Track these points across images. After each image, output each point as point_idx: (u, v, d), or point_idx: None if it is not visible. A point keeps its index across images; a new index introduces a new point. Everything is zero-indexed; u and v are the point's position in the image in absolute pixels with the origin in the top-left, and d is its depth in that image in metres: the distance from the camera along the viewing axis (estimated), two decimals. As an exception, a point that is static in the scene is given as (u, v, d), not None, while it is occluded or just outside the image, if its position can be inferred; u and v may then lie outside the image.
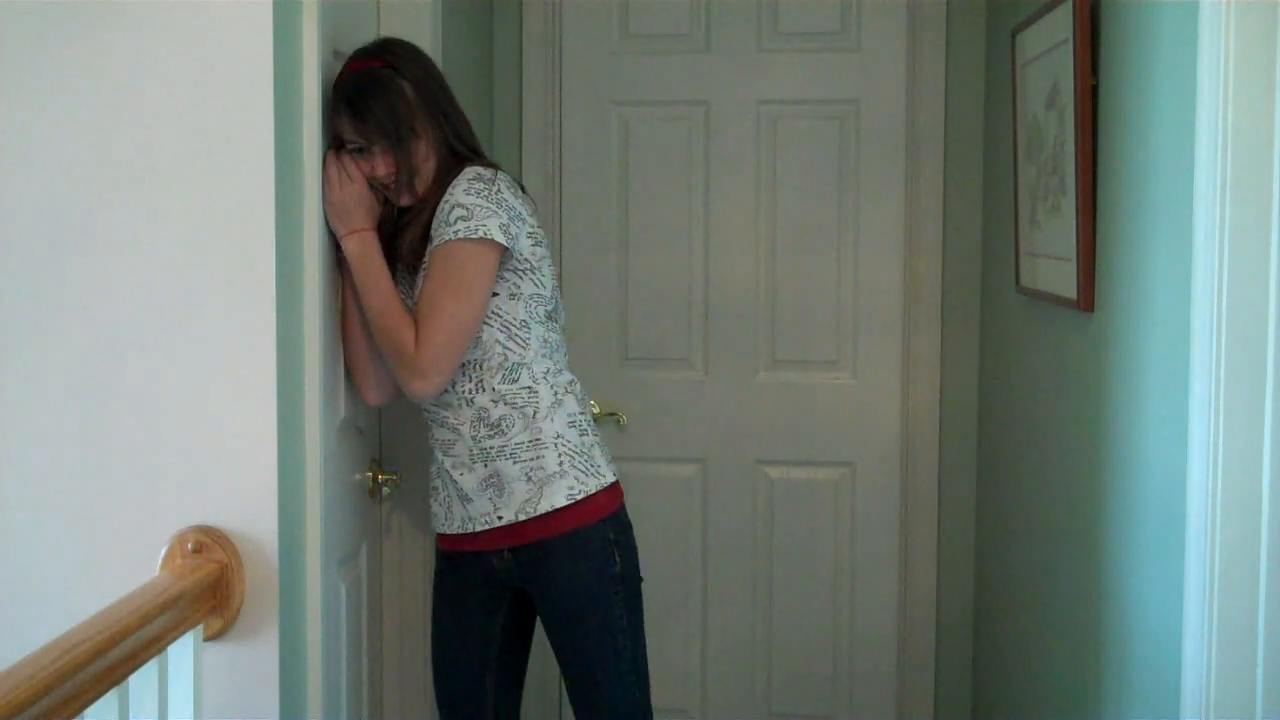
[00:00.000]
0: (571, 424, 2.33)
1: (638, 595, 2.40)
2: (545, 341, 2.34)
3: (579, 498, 2.30)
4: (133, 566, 1.91)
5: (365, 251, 2.26)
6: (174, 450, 1.97)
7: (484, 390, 2.29)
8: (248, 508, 1.97)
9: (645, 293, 3.52)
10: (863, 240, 3.46)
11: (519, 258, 2.28)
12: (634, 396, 3.53)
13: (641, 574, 2.42)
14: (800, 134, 3.47)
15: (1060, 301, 2.47)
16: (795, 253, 3.48)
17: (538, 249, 2.32)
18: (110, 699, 1.63)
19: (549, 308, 2.36)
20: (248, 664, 1.98)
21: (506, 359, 2.29)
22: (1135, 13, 2.09)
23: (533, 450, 2.29)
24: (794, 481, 3.54)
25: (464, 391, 2.30)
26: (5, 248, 2.00)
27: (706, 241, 3.50)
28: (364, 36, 2.53)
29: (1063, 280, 2.43)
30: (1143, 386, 2.05)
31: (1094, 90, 2.27)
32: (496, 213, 2.23)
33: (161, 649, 1.76)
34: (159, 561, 1.93)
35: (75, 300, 1.98)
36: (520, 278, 2.30)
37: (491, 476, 2.30)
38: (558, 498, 2.29)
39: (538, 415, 2.30)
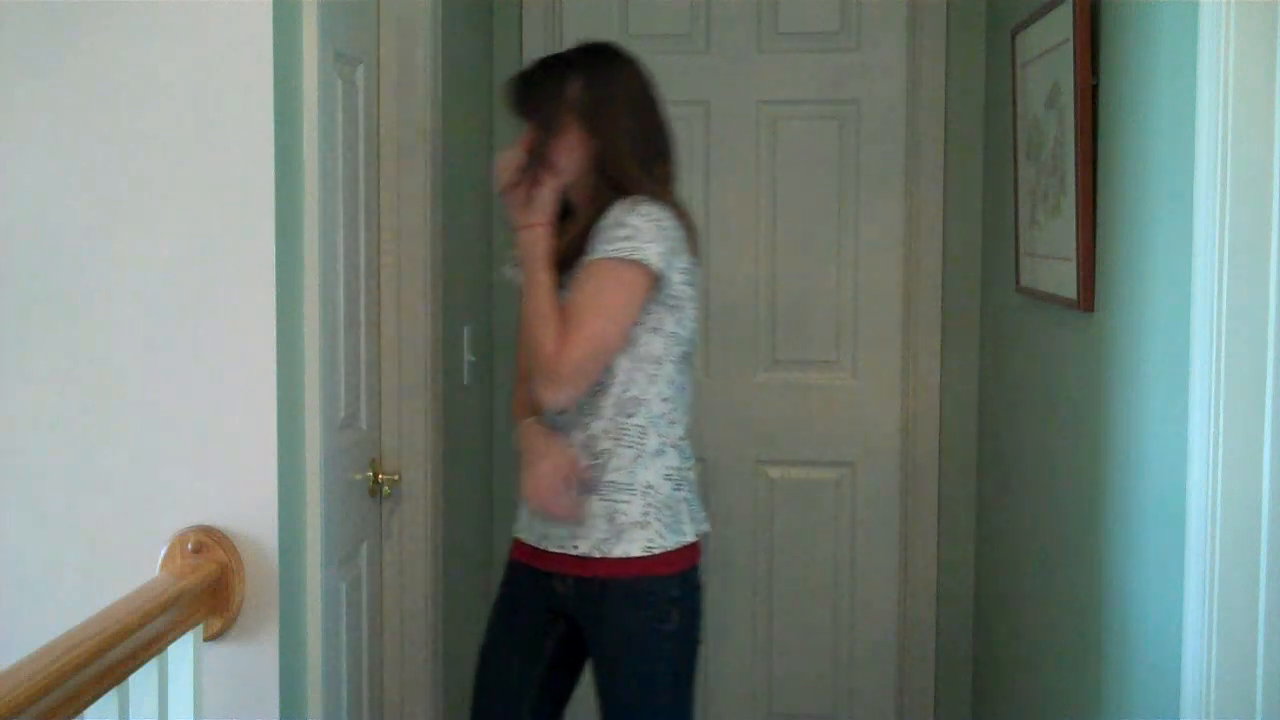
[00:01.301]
0: (668, 477, 2.27)
1: (690, 656, 2.33)
2: (671, 383, 2.28)
3: (655, 552, 2.24)
4: (133, 566, 1.91)
5: (536, 249, 2.22)
6: (174, 450, 1.98)
7: (599, 418, 2.24)
8: (248, 508, 1.97)
9: (645, 293, 3.52)
10: (863, 240, 3.46)
11: (669, 293, 2.24)
12: (634, 396, 3.53)
13: (700, 636, 2.35)
14: (800, 134, 3.47)
15: (1060, 301, 2.47)
16: (795, 253, 3.48)
17: (687, 288, 2.27)
18: (110, 699, 1.63)
19: (685, 349, 2.31)
20: (248, 664, 1.98)
21: (628, 391, 2.24)
22: (1135, 13, 2.09)
23: (622, 493, 2.24)
24: (794, 481, 3.54)
25: (581, 412, 2.25)
26: (5, 248, 2.00)
27: (707, 241, 3.49)
28: (364, 36, 2.53)
29: (1063, 280, 2.43)
30: (1143, 386, 2.05)
31: (1094, 90, 2.27)
32: (658, 240, 2.19)
33: (161, 649, 1.76)
34: (159, 561, 1.93)
35: (75, 300, 1.99)
36: (666, 313, 2.25)
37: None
38: (633, 547, 2.23)
39: (638, 460, 2.24)
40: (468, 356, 3.10)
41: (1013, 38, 2.79)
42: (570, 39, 3.47)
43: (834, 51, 3.44)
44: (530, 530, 2.35)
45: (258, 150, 1.95)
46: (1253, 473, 1.73)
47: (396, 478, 2.65)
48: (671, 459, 2.29)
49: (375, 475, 2.59)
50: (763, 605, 3.56)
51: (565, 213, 2.31)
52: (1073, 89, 2.29)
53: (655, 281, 2.21)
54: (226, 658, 1.97)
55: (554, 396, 2.20)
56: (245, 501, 1.97)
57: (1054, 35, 2.44)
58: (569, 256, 2.25)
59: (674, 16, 3.47)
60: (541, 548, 2.32)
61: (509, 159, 2.27)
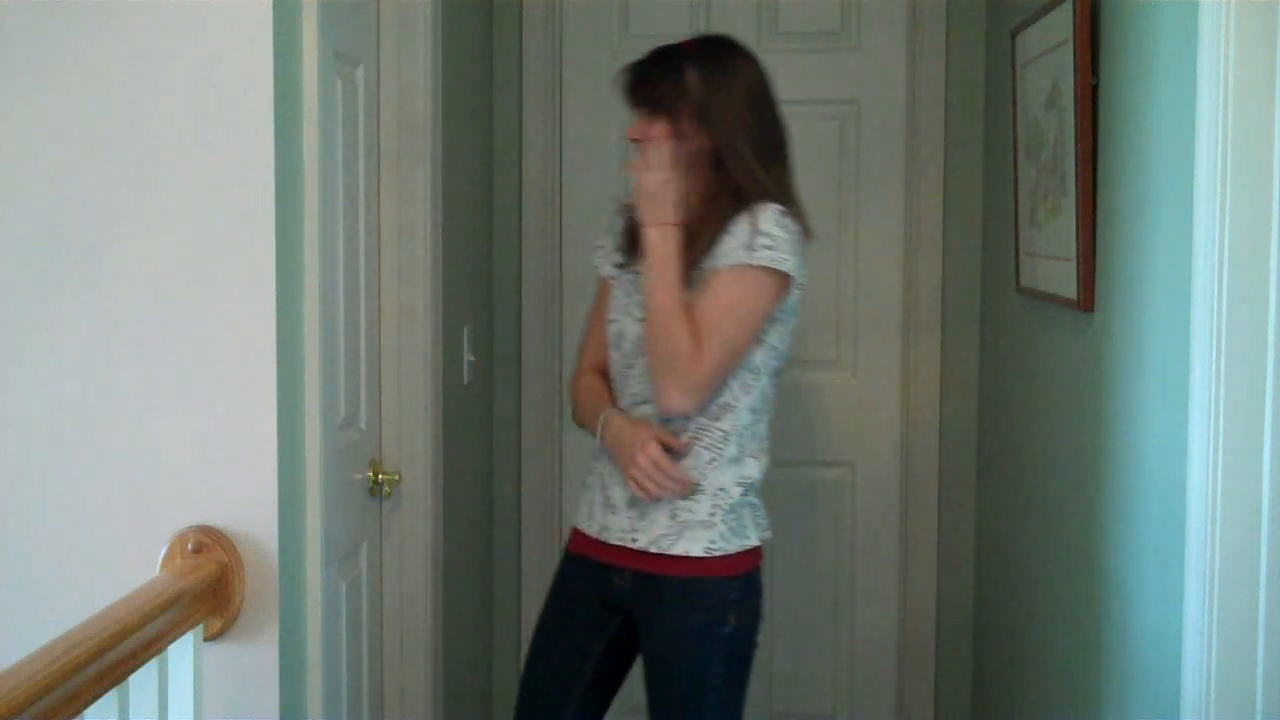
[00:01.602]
0: (739, 484, 2.26)
1: (745, 661, 2.32)
2: (764, 395, 2.28)
3: (715, 554, 2.24)
4: (133, 566, 1.91)
5: (667, 246, 2.18)
6: (174, 450, 1.98)
7: (685, 416, 2.23)
8: (248, 508, 1.97)
9: (645, 293, 3.52)
10: (863, 240, 3.46)
11: (784, 306, 2.24)
12: (634, 396, 3.53)
13: (757, 641, 2.35)
14: (800, 134, 3.44)
15: (1060, 301, 2.47)
16: (795, 253, 3.48)
17: (795, 304, 2.28)
18: (110, 699, 1.63)
19: (779, 364, 2.30)
20: (248, 664, 1.98)
21: (720, 396, 2.22)
22: (1135, 13, 2.09)
23: (690, 494, 2.24)
24: (794, 481, 3.54)
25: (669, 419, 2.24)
26: (5, 248, 2.00)
27: (706, 241, 3.50)
28: (364, 36, 2.53)
29: (1063, 280, 2.43)
30: (1143, 386, 2.05)
31: (1094, 90, 2.27)
32: (796, 254, 2.20)
33: (161, 649, 1.76)
34: (159, 561, 1.93)
35: (75, 300, 1.99)
36: (772, 326, 2.25)
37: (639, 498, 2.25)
38: (694, 547, 2.23)
39: (713, 463, 2.24)
40: (468, 356, 3.10)
41: (1013, 38, 2.79)
42: (570, 39, 3.48)
43: (834, 51, 3.44)
44: (590, 522, 2.34)
45: (258, 150, 1.94)
46: (1253, 473, 1.73)
47: (396, 478, 2.65)
48: (748, 469, 2.28)
49: (375, 475, 2.59)
50: (763, 605, 3.56)
51: None
52: (1073, 89, 2.29)
53: (785, 292, 2.22)
54: (226, 658, 1.97)
55: (683, 401, 2.18)
56: (245, 501, 1.97)
57: (1054, 35, 2.44)
58: (687, 271, 2.22)
59: (674, 16, 3.47)
60: (601, 539, 2.31)
61: (654, 155, 2.22)
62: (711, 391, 2.20)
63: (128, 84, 1.96)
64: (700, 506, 2.24)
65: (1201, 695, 1.78)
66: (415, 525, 2.73)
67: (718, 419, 2.24)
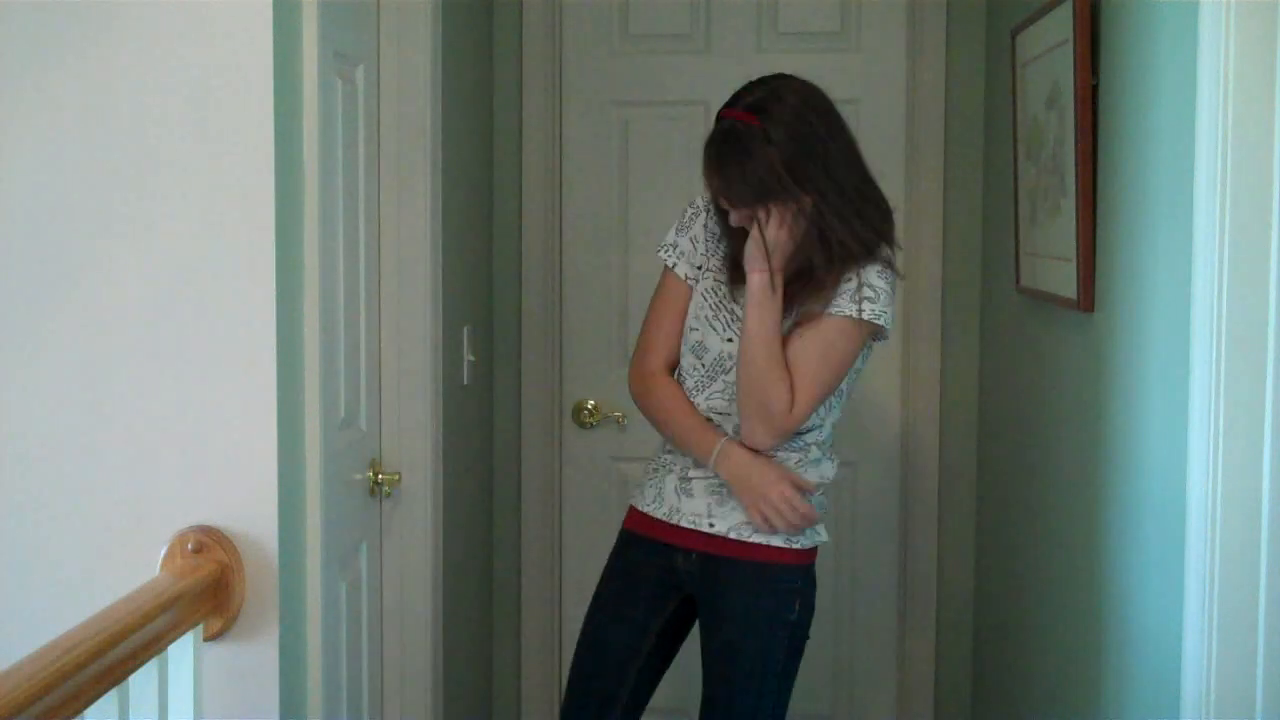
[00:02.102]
0: (819, 483, 2.37)
1: (800, 649, 2.42)
2: (842, 409, 2.40)
3: (794, 546, 2.35)
4: (133, 566, 1.91)
5: (765, 293, 2.22)
6: (174, 450, 1.98)
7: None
8: (248, 508, 1.97)
9: (645, 293, 3.50)
10: (863, 240, 3.45)
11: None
12: (634, 396, 3.53)
13: (810, 634, 2.45)
14: (800, 134, 3.46)
15: (1060, 301, 2.47)
16: (795, 253, 3.48)
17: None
18: (110, 699, 1.63)
19: (853, 381, 2.38)
20: (248, 664, 1.98)
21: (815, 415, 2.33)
22: (1135, 13, 2.09)
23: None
24: (794, 481, 3.53)
25: None
26: (5, 248, 2.00)
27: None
28: (364, 36, 2.53)
29: (1063, 280, 2.43)
30: (1143, 386, 2.05)
31: (1094, 90, 2.27)
32: (892, 306, 2.28)
33: (161, 649, 1.76)
34: (159, 561, 1.93)
35: (75, 300, 1.99)
36: (865, 354, 2.37)
37: (723, 486, 2.33)
38: (774, 538, 2.33)
39: (799, 465, 2.33)
40: (468, 356, 3.10)
41: (1013, 38, 2.79)
42: (570, 39, 3.48)
43: (834, 51, 3.43)
44: (659, 504, 2.39)
45: (258, 150, 1.94)
46: (1253, 473, 1.73)
47: (396, 478, 2.65)
48: (826, 470, 2.38)
49: (375, 475, 2.59)
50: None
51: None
52: (1073, 89, 2.29)
53: (872, 339, 2.32)
54: (226, 658, 1.97)
55: (772, 443, 2.28)
56: (245, 501, 1.97)
57: (1054, 35, 2.44)
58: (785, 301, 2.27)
59: (674, 16, 3.47)
60: (672, 522, 2.37)
61: (789, 238, 2.22)
62: (798, 429, 2.29)
63: (128, 84, 1.96)
64: None
65: (1201, 695, 1.78)
66: (415, 525, 2.73)
67: (804, 432, 2.33)
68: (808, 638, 2.44)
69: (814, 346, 2.24)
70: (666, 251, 2.43)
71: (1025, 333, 2.90)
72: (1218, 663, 1.76)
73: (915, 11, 3.38)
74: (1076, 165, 2.29)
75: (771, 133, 2.19)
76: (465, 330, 3.09)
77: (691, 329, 2.38)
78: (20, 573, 2.03)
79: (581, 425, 3.52)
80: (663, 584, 2.41)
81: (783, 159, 2.18)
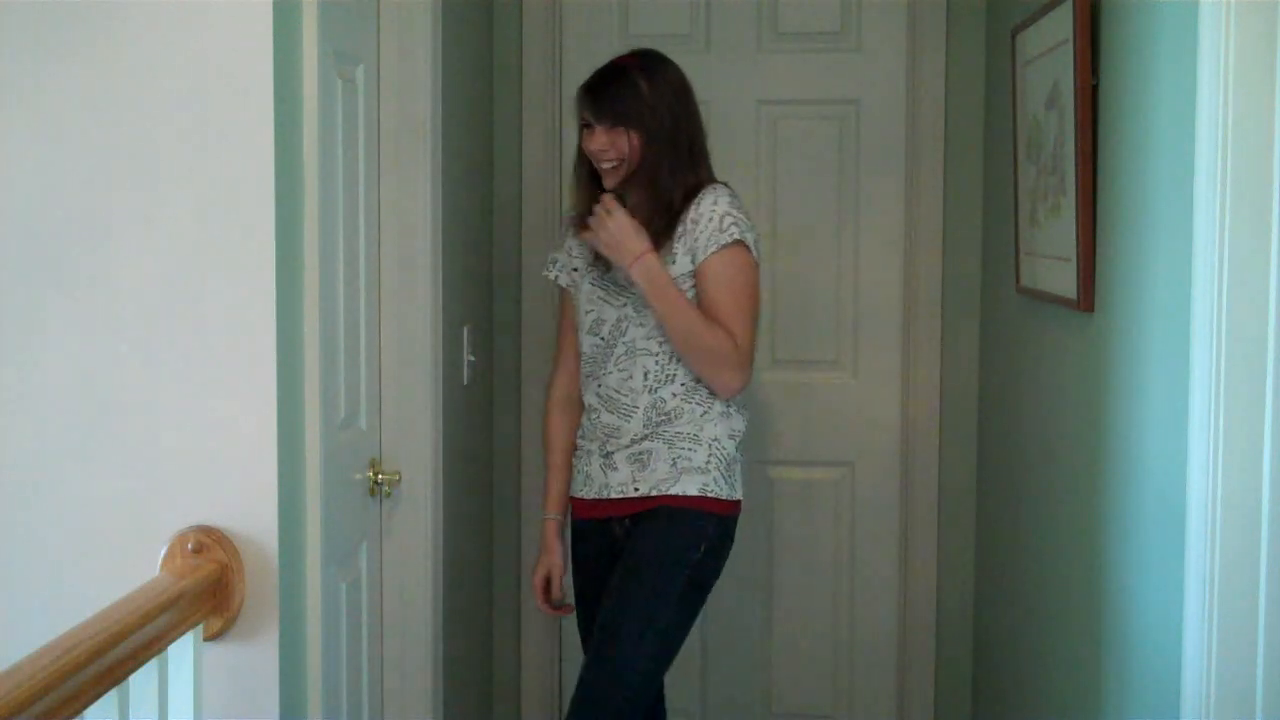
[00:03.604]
0: (731, 436, 2.56)
1: (700, 593, 2.54)
2: None
3: (708, 494, 2.50)
4: (133, 566, 1.91)
5: (656, 273, 2.46)
6: (174, 450, 1.98)
7: (671, 382, 2.52)
8: (248, 508, 1.97)
9: (645, 293, 3.52)
10: (863, 240, 3.46)
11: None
12: (634, 396, 3.53)
13: (711, 584, 2.57)
14: (800, 134, 3.47)
15: (1060, 301, 2.47)
16: (795, 252, 3.48)
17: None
18: (110, 699, 1.63)
19: None
20: (248, 664, 1.98)
21: None
22: (1135, 13, 2.09)
23: (690, 443, 2.51)
24: (794, 481, 3.54)
25: (651, 381, 2.51)
26: (6, 248, 2.00)
27: (706, 241, 3.49)
28: (364, 36, 2.53)
29: (1063, 280, 2.43)
30: (1143, 386, 2.05)
31: (1094, 90, 2.27)
32: (752, 229, 2.54)
33: (161, 649, 1.76)
34: (159, 561, 1.93)
35: (75, 300, 1.99)
36: None
37: (644, 452, 2.52)
38: (690, 487, 2.50)
39: (706, 416, 2.52)
40: (468, 356, 3.10)
41: (1013, 38, 2.79)
42: (570, 39, 3.48)
43: (834, 51, 3.44)
44: (589, 485, 2.60)
45: (258, 150, 1.94)
46: (1253, 473, 1.73)
47: (396, 478, 2.65)
48: (736, 422, 2.57)
49: (375, 475, 2.59)
50: (763, 605, 3.56)
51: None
52: (1073, 89, 2.29)
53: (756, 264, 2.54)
54: (226, 658, 1.97)
55: (741, 382, 2.50)
56: (245, 501, 1.97)
57: (1054, 35, 2.44)
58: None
59: (674, 16, 3.47)
60: (603, 497, 2.57)
61: (624, 218, 2.47)
62: (752, 359, 2.51)
63: (128, 84, 1.96)
64: (698, 455, 2.51)
65: (1201, 695, 1.78)
66: (415, 525, 2.73)
67: (700, 380, 2.52)
68: (710, 587, 2.55)
69: (723, 286, 2.48)
70: (547, 269, 2.72)
71: (1025, 333, 2.90)
72: (1218, 663, 1.76)
73: (915, 11, 3.38)
74: (1076, 165, 2.29)
75: (645, 70, 2.54)
76: (465, 330, 3.09)
77: (586, 313, 2.60)
78: (20, 573, 2.03)
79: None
80: (613, 555, 2.57)
81: (649, 90, 2.52)
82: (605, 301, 2.57)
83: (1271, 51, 1.70)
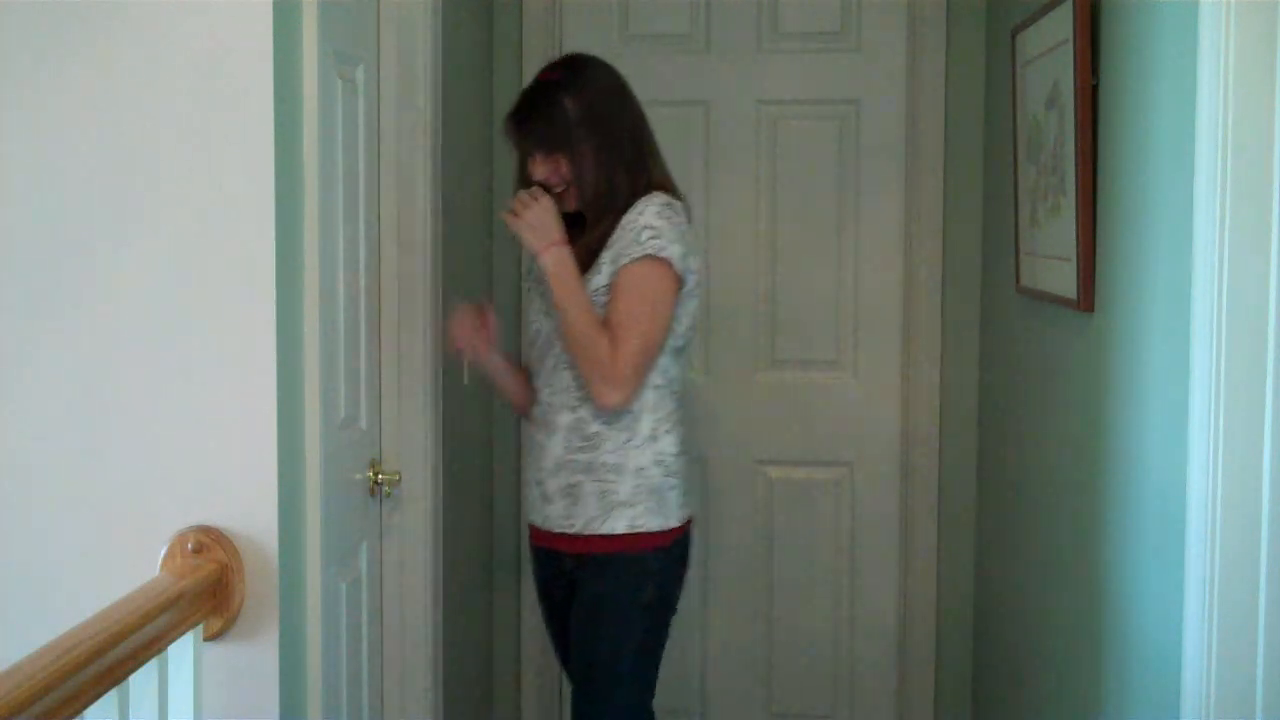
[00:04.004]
0: (659, 462, 2.43)
1: (660, 629, 2.50)
2: (665, 372, 2.45)
3: (638, 531, 2.41)
4: (133, 566, 1.91)
5: (564, 265, 2.37)
6: (174, 450, 1.97)
7: (589, 403, 2.40)
8: (248, 508, 1.97)
9: (645, 293, 3.52)
10: (863, 240, 3.46)
11: (681, 290, 2.41)
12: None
13: (675, 607, 2.53)
14: (800, 134, 3.47)
15: (1060, 301, 2.47)
16: (795, 253, 3.48)
17: (691, 288, 2.44)
18: (110, 699, 1.63)
19: (679, 344, 2.47)
20: (248, 664, 1.98)
21: None
22: (1135, 13, 2.09)
23: (614, 474, 2.41)
24: (794, 481, 3.54)
25: (572, 400, 2.42)
26: (6, 248, 2.00)
27: (706, 241, 3.50)
28: (364, 36, 2.53)
29: (1063, 280, 2.43)
30: (1143, 386, 2.05)
31: (1094, 90, 2.27)
32: (679, 242, 2.38)
33: (161, 649, 1.76)
34: (159, 561, 1.93)
35: (75, 301, 1.99)
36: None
37: (572, 486, 2.44)
38: (618, 525, 2.41)
39: (629, 443, 2.41)
40: (468, 356, 3.10)
41: (1013, 38, 2.79)
42: (570, 39, 3.48)
43: (834, 51, 3.44)
44: (535, 514, 2.53)
45: (258, 150, 1.94)
46: (1253, 473, 1.73)
47: (396, 478, 2.65)
48: (665, 445, 2.44)
49: (375, 475, 2.59)
50: (763, 605, 3.56)
51: (575, 221, 2.45)
52: (1073, 89, 2.29)
53: (678, 279, 2.38)
54: (226, 658, 1.97)
55: (615, 397, 2.35)
56: (245, 501, 1.97)
57: (1054, 35, 2.44)
58: (588, 261, 2.41)
59: (674, 16, 3.47)
60: (546, 528, 2.50)
61: (548, 205, 2.40)
62: (640, 379, 2.37)
63: (128, 84, 1.96)
64: (623, 487, 2.41)
65: (1201, 695, 1.78)
66: (415, 525, 2.73)
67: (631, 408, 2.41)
68: (673, 612, 2.53)
69: (619, 297, 2.35)
70: (524, 280, 2.72)
71: (1025, 333, 2.90)
72: (1218, 663, 1.76)
73: (915, 11, 3.38)
74: (1076, 165, 2.29)
75: (569, 85, 2.44)
76: (465, 330, 3.08)
77: (530, 324, 2.58)
78: (20, 573, 2.03)
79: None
80: (565, 579, 2.53)
81: (576, 106, 2.42)
82: (544, 312, 2.51)
83: (1271, 51, 1.70)
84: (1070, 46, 2.30)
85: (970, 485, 3.46)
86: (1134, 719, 2.08)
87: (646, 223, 2.36)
